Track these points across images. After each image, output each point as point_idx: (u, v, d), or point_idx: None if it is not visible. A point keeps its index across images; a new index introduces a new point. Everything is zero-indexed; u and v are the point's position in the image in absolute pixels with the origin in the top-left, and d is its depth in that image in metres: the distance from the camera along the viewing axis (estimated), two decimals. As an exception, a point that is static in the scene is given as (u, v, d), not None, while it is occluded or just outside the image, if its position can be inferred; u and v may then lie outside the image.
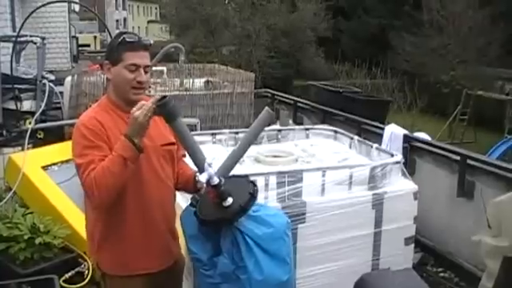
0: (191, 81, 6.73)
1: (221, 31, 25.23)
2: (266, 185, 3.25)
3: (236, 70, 8.20)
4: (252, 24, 24.05)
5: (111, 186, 2.14)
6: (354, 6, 27.76)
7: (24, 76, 5.99)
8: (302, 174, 3.37)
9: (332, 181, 3.43)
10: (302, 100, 7.83)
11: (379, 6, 26.52)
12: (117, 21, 51.02)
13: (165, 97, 2.17)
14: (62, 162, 4.45)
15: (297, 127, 5.47)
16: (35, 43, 5.83)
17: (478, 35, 19.47)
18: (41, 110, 5.55)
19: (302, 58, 26.05)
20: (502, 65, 18.96)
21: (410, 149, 5.15)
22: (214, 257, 2.31)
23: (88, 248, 2.59)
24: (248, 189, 2.29)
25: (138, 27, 53.38)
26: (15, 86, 5.58)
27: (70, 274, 3.65)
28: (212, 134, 4.48)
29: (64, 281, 3.58)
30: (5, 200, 4.17)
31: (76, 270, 3.70)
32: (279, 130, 4.79)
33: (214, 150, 3.95)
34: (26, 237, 3.59)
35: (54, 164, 4.46)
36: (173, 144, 2.43)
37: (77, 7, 24.03)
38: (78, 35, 17.00)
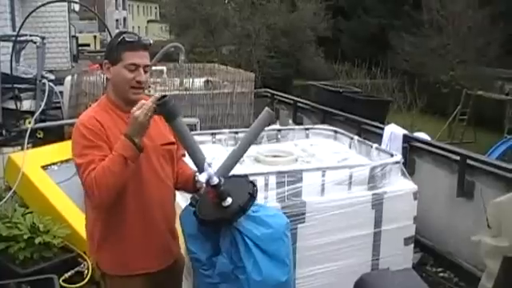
0: (191, 80, 6.73)
1: (220, 31, 25.24)
2: (266, 184, 3.25)
3: (236, 69, 8.19)
4: (252, 24, 24.05)
5: (111, 186, 2.14)
6: (353, 5, 27.76)
7: (24, 75, 5.98)
8: (301, 173, 3.37)
9: (332, 181, 3.43)
10: (301, 100, 7.83)
11: (379, 5, 26.53)
12: (117, 20, 51.01)
13: (165, 96, 2.17)
14: (62, 162, 4.45)
15: (296, 127, 5.48)
16: (35, 43, 5.82)
17: (477, 35, 19.47)
18: (40, 110, 5.54)
19: (302, 57, 26.07)
20: (502, 65, 18.96)
21: (410, 149, 5.16)
22: (213, 256, 2.31)
23: (88, 248, 2.59)
24: (247, 189, 2.29)
25: (138, 27, 53.37)
26: (15, 85, 5.58)
27: (69, 273, 3.65)
28: (212, 134, 4.48)
29: (64, 280, 3.57)
30: (4, 200, 4.17)
31: (76, 269, 3.69)
32: (279, 130, 4.79)
33: (214, 150, 3.95)
34: (25, 236, 3.59)
35: (53, 163, 4.46)
36: (172, 144, 2.43)
37: (77, 7, 24.07)
38: (77, 35, 17.01)
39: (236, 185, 2.30)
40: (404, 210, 3.64)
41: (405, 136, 5.23)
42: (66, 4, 11.85)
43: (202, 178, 2.20)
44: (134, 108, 2.14)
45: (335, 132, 4.72)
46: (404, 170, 3.81)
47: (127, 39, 2.27)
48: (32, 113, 5.52)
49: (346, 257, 3.47)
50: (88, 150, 2.19)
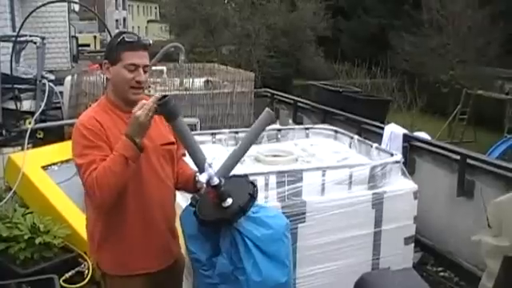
0: (191, 80, 6.73)
1: (220, 31, 25.24)
2: (266, 184, 3.26)
3: (236, 69, 8.20)
4: (252, 23, 24.05)
5: (113, 186, 2.14)
6: (353, 5, 27.75)
7: (24, 76, 5.99)
8: (301, 173, 3.37)
9: (332, 180, 3.43)
10: (301, 100, 7.83)
11: (379, 5, 26.52)
12: (116, 20, 51.02)
13: (165, 96, 2.17)
14: (62, 162, 4.45)
15: (297, 127, 5.47)
16: (35, 43, 5.83)
17: (477, 35, 19.46)
18: (40, 110, 5.55)
19: (302, 57, 26.07)
20: (502, 64, 18.95)
21: (410, 148, 5.16)
22: (213, 257, 2.31)
23: (88, 248, 2.59)
24: (248, 189, 2.29)
25: (138, 27, 53.37)
26: (15, 85, 5.58)
27: (70, 273, 3.65)
28: (212, 134, 4.48)
29: (64, 280, 3.58)
30: (5, 200, 4.17)
31: (76, 269, 3.69)
32: (279, 130, 4.79)
33: (214, 150, 3.95)
34: (26, 237, 3.59)
35: (53, 164, 4.46)
36: (172, 144, 2.43)
37: (76, 7, 24.09)
38: (77, 35, 16.98)
39: (236, 185, 2.30)
40: (404, 209, 3.64)
41: (405, 135, 5.23)
42: (65, 4, 11.85)
43: (203, 178, 2.20)
44: (135, 108, 2.14)
45: (335, 132, 4.72)
46: (404, 169, 3.81)
47: (127, 39, 2.27)
48: (32, 113, 5.53)
49: (346, 256, 3.47)
50: (88, 150, 2.19)
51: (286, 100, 8.10)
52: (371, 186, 3.53)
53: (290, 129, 5.05)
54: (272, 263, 2.26)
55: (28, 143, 4.91)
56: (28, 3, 10.34)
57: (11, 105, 5.57)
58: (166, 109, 2.15)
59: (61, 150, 4.46)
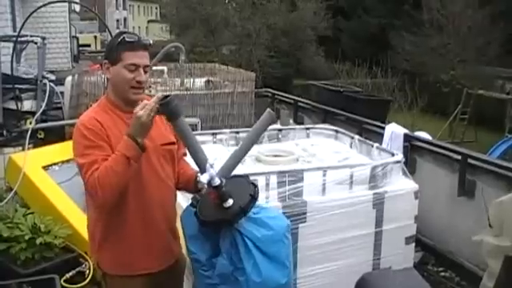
0: (192, 80, 6.73)
1: (221, 31, 25.24)
2: (267, 184, 3.26)
3: (236, 69, 8.20)
4: (252, 23, 24.04)
5: (115, 186, 2.15)
6: (353, 5, 27.74)
7: (24, 76, 5.99)
8: (302, 173, 3.37)
9: (333, 180, 3.43)
10: (302, 99, 7.83)
11: (379, 5, 26.50)
12: (117, 20, 51.02)
13: (167, 96, 2.16)
14: (63, 162, 4.45)
15: (297, 127, 5.47)
16: (36, 43, 5.83)
17: (477, 34, 19.44)
18: (41, 110, 5.55)
19: (302, 57, 26.06)
20: (502, 64, 18.94)
21: (411, 148, 5.16)
22: (213, 257, 2.31)
23: (89, 248, 2.59)
24: (249, 190, 2.28)
25: (139, 27, 53.39)
26: (16, 85, 5.58)
27: (70, 273, 3.65)
28: (213, 134, 4.48)
29: (65, 280, 3.58)
30: (6, 200, 4.17)
31: (77, 269, 3.70)
32: (280, 130, 4.79)
33: (215, 150, 3.95)
34: (26, 237, 3.59)
35: (54, 164, 4.46)
36: (173, 144, 2.43)
37: (77, 7, 24.03)
38: (78, 35, 16.97)
39: (237, 186, 2.30)
40: (405, 209, 3.64)
41: (406, 135, 5.23)
42: (66, 4, 11.86)
43: (204, 178, 2.20)
44: (137, 108, 2.14)
45: (336, 131, 4.72)
46: (405, 169, 3.81)
47: (127, 39, 2.27)
48: (33, 113, 5.52)
49: (347, 256, 3.47)
50: (89, 150, 2.19)
51: (287, 100, 8.11)
52: (372, 186, 3.53)
53: (290, 129, 5.04)
54: (272, 264, 2.26)
55: (29, 143, 4.91)
56: (29, 3, 10.34)
57: (12, 105, 5.56)
58: (167, 108, 2.15)
59: (62, 150, 4.46)
